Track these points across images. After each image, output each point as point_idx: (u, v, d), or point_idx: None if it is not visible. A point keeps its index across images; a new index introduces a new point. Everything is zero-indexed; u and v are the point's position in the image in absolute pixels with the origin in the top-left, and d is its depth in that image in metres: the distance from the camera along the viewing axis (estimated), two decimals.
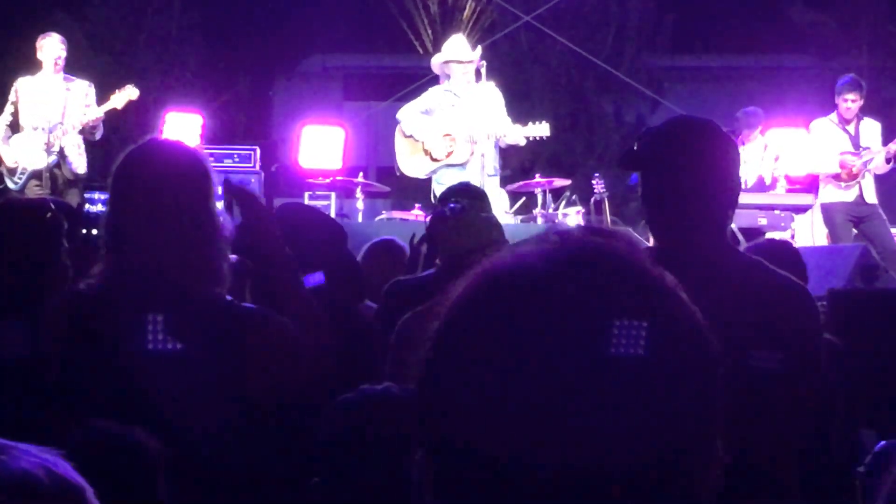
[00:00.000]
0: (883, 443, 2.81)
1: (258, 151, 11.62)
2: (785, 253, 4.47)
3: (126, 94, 9.47)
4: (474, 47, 9.07)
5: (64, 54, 9.50)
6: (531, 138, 8.94)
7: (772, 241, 5.12)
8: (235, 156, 11.41)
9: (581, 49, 15.07)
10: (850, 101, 9.48)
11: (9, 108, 9.47)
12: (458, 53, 8.96)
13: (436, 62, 9.10)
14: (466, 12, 20.22)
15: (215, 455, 2.52)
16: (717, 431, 0.94)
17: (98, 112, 9.36)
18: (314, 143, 12.37)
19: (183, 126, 11.84)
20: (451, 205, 3.77)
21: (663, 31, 17.61)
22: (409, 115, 9.04)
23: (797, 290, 2.69)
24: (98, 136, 9.46)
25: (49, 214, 3.58)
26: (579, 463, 0.88)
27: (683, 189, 2.65)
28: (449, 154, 8.83)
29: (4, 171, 9.42)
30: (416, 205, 10.39)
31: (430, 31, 20.51)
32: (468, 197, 4.38)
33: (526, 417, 0.89)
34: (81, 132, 9.36)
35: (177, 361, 2.53)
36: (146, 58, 15.91)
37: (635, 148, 2.88)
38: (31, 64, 9.71)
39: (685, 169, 2.66)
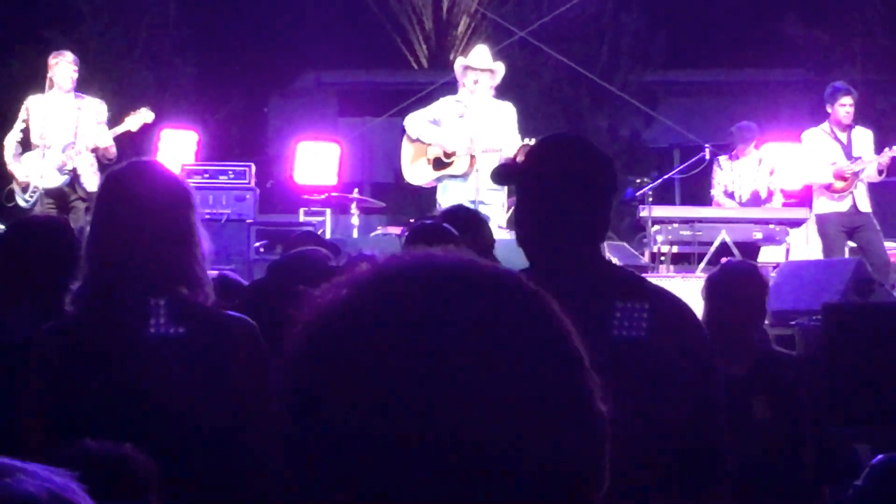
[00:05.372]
0: (879, 457, 2.81)
1: (253, 168, 11.59)
2: (746, 274, 4.54)
3: (141, 117, 9.50)
4: (483, 62, 8.97)
5: (76, 75, 9.51)
6: None
7: (741, 262, 5.17)
8: (230, 172, 11.40)
9: (575, 64, 15.10)
10: (849, 106, 9.50)
11: (19, 126, 9.45)
12: (472, 59, 8.93)
13: (457, 66, 9.06)
14: (461, 28, 20.26)
15: (212, 451, 2.55)
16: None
17: (110, 138, 9.36)
18: (309, 160, 12.37)
19: (178, 143, 11.84)
20: (428, 220, 3.83)
21: (657, 45, 17.64)
22: (416, 120, 9.00)
23: (676, 300, 2.70)
24: (112, 156, 9.44)
25: (69, 232, 3.71)
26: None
27: (552, 204, 2.64)
28: (450, 164, 8.80)
29: (16, 189, 9.42)
30: (412, 220, 10.39)
31: (424, 47, 20.55)
32: (463, 220, 4.42)
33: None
34: (94, 152, 9.37)
35: (158, 350, 2.60)
36: (141, 75, 15.92)
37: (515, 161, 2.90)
38: (25, 81, 9.71)
39: (553, 184, 2.65)
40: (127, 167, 2.84)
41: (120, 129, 9.44)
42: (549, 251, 2.62)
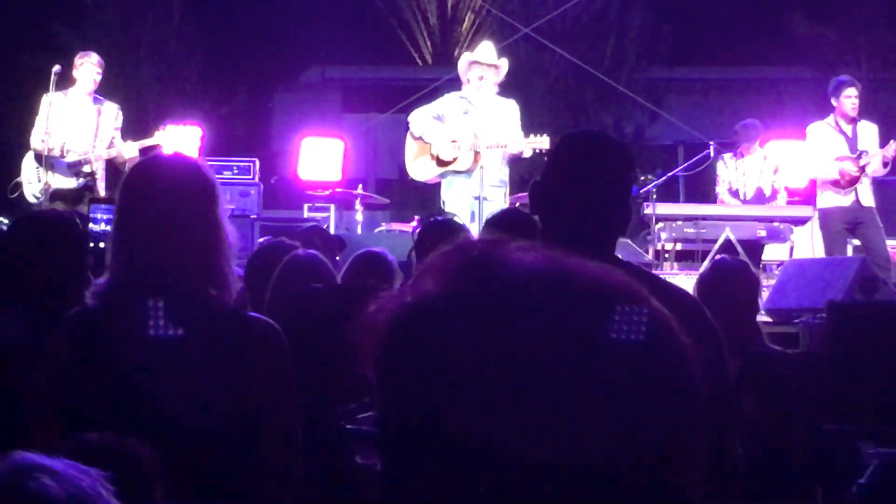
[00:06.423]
0: (884, 454, 2.80)
1: (257, 163, 11.62)
2: (736, 272, 4.55)
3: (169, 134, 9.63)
4: (489, 57, 8.96)
5: (99, 77, 9.53)
6: (536, 150, 8.86)
7: (732, 260, 5.19)
8: (235, 167, 11.42)
9: (580, 61, 15.09)
10: (854, 97, 9.51)
11: (44, 123, 9.34)
12: (478, 55, 8.93)
13: (462, 62, 9.05)
14: (466, 24, 20.26)
15: (210, 450, 2.54)
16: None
17: (135, 150, 9.38)
18: (313, 155, 12.37)
19: (182, 138, 11.84)
20: (439, 217, 3.82)
21: (662, 42, 17.62)
22: (420, 117, 9.00)
23: (686, 296, 2.70)
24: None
25: (78, 230, 3.70)
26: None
27: (573, 198, 2.65)
28: (454, 160, 8.79)
29: (24, 183, 9.40)
30: (416, 217, 10.38)
31: (429, 44, 20.54)
32: (510, 223, 4.42)
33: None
34: (113, 160, 9.42)
35: (178, 348, 2.57)
36: (145, 70, 15.92)
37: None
38: (32, 77, 9.68)
39: (576, 178, 2.66)
40: (150, 160, 2.81)
41: (148, 142, 9.50)
42: (564, 245, 2.62)
